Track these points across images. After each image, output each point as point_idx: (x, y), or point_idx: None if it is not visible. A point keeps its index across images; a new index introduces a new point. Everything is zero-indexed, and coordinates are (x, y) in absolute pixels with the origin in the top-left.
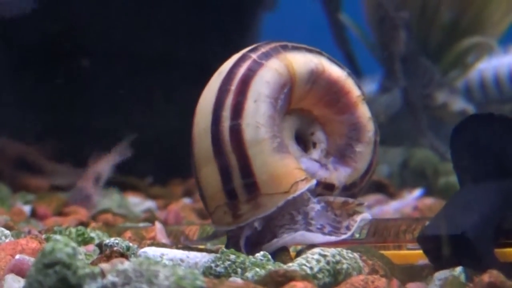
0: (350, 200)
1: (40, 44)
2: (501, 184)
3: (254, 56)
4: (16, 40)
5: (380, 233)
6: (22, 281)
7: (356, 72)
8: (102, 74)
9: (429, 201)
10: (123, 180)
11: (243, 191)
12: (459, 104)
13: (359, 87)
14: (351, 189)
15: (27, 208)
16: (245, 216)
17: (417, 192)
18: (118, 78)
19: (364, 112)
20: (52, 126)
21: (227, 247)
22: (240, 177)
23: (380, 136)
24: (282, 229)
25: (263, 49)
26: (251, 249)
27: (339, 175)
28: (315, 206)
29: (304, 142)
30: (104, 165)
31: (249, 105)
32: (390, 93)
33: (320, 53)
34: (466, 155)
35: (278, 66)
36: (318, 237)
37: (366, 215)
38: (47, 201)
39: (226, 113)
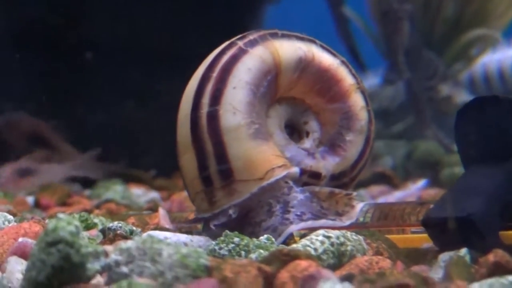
0: (337, 190)
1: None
2: (505, 166)
3: (240, 43)
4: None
5: (385, 216)
6: (25, 263)
7: (359, 65)
8: (105, 68)
9: (433, 191)
10: (127, 172)
11: (218, 177)
12: (463, 97)
13: (354, 76)
14: (340, 179)
15: (30, 199)
16: (219, 202)
17: (421, 182)
18: (121, 71)
19: (356, 100)
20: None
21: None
22: (215, 163)
23: (375, 126)
24: (258, 228)
25: (251, 37)
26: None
27: (327, 164)
28: (297, 195)
29: (298, 131)
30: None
31: (228, 92)
32: (394, 85)
33: (311, 41)
34: (471, 137)
35: (263, 53)
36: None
37: (365, 203)
38: (50, 191)
39: (205, 99)
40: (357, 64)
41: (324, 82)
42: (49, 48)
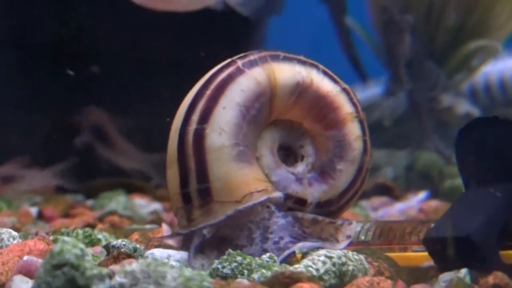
0: (320, 217)
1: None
2: (505, 186)
3: (239, 63)
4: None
5: (386, 235)
6: (30, 282)
7: (361, 75)
8: (109, 76)
9: (434, 203)
10: (129, 182)
11: (197, 195)
12: (464, 107)
13: (354, 104)
14: (326, 207)
15: (34, 210)
16: (196, 221)
17: (422, 194)
18: (125, 80)
19: (352, 130)
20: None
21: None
22: (196, 181)
23: (371, 157)
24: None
25: (251, 57)
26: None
27: (313, 191)
28: (278, 220)
29: (294, 154)
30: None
31: (217, 111)
32: (396, 96)
33: (313, 66)
34: (471, 157)
35: (259, 75)
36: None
37: (352, 227)
38: (53, 202)
39: (195, 116)
40: (358, 74)
41: (320, 108)
42: (53, 57)
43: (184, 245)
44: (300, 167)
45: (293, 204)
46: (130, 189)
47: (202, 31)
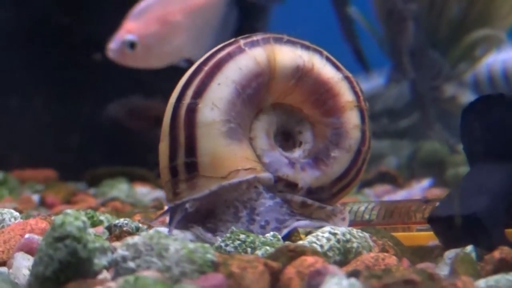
0: (310, 201)
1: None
2: (510, 164)
3: (241, 42)
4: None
5: (390, 215)
6: (31, 259)
7: (364, 65)
8: (110, 66)
9: (437, 191)
10: (131, 170)
11: (184, 169)
12: (467, 97)
13: (356, 93)
14: (317, 193)
15: (35, 197)
16: (181, 195)
17: (425, 182)
18: (127, 71)
19: (351, 118)
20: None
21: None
22: (184, 155)
23: (370, 148)
24: (224, 227)
25: (254, 38)
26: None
27: (305, 175)
28: (266, 201)
29: (293, 140)
30: None
31: (212, 87)
32: (399, 85)
33: (317, 51)
34: (476, 135)
35: (259, 55)
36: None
37: (345, 213)
38: (55, 190)
39: (190, 91)
40: (361, 64)
41: (320, 94)
42: (57, 45)
43: (170, 220)
44: (297, 153)
45: (283, 187)
46: (132, 178)
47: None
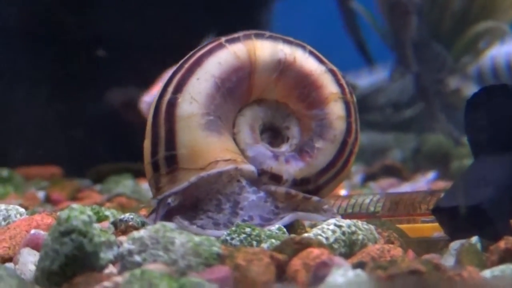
0: (293, 192)
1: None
2: None
3: (223, 39)
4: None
5: (395, 207)
6: (37, 255)
7: (367, 59)
8: (115, 62)
9: (442, 184)
10: (136, 167)
11: (164, 163)
12: (471, 90)
13: (340, 85)
14: (302, 185)
15: (41, 194)
16: (162, 189)
17: (430, 175)
18: (132, 68)
19: (334, 109)
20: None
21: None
22: (164, 149)
23: (357, 140)
24: (204, 215)
25: (236, 35)
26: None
27: (289, 167)
28: (249, 195)
29: (281, 136)
30: None
31: (191, 82)
32: (402, 79)
33: (300, 46)
34: (480, 126)
35: (239, 50)
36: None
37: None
38: (60, 186)
39: (171, 87)
40: (365, 58)
41: (304, 87)
42: (61, 42)
43: (155, 215)
44: (284, 148)
45: (268, 180)
46: (137, 174)
47: (206, 18)
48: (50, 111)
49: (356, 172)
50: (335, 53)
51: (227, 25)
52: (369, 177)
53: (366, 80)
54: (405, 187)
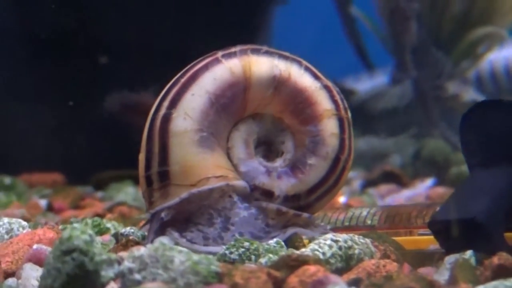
0: (284, 209)
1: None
2: (509, 169)
3: (219, 54)
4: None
5: (391, 219)
6: (40, 270)
7: (367, 64)
8: (115, 68)
9: (441, 190)
10: (137, 173)
11: (157, 178)
12: (470, 95)
13: (335, 102)
14: (294, 201)
15: (43, 202)
16: (155, 204)
17: (429, 181)
18: (132, 72)
19: (328, 126)
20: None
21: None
22: (157, 164)
23: (350, 156)
24: (194, 228)
25: (233, 49)
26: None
27: (281, 183)
28: (240, 212)
29: (276, 150)
30: None
31: (186, 97)
32: (402, 84)
33: (295, 61)
34: (475, 140)
35: (234, 65)
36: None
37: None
38: (63, 194)
39: (166, 102)
40: (364, 63)
41: (298, 103)
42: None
43: (149, 229)
44: (278, 162)
45: (260, 195)
46: (138, 181)
47: (207, 23)
48: (52, 118)
49: (356, 178)
50: (335, 58)
51: (227, 31)
52: (368, 184)
53: (365, 84)
54: (405, 194)
